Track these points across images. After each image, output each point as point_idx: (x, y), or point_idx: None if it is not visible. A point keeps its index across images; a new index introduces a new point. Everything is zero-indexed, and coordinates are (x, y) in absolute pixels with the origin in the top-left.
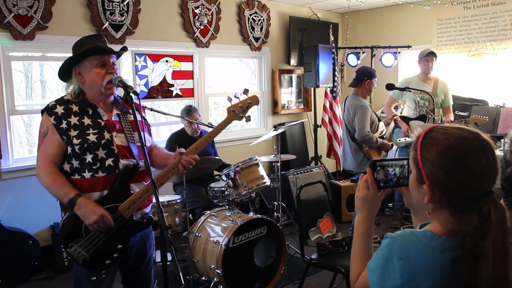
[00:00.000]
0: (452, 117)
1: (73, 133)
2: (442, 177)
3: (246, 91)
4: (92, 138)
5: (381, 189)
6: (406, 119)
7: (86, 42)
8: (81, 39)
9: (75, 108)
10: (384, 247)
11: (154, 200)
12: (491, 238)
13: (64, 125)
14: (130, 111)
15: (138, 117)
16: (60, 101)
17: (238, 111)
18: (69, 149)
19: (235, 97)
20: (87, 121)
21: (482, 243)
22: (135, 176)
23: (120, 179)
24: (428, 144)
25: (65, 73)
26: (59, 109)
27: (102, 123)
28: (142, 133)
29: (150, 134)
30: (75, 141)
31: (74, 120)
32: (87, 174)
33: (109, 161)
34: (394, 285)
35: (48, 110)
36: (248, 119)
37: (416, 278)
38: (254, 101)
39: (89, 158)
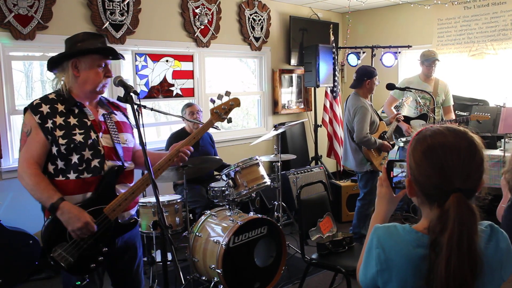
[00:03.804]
0: (453, 117)
1: (59, 133)
2: (414, 168)
3: (228, 93)
4: (78, 138)
5: (398, 189)
6: (407, 119)
7: (87, 38)
8: (81, 34)
9: (60, 107)
10: (369, 237)
11: (139, 201)
12: (447, 233)
13: (49, 125)
14: (115, 111)
15: (121, 118)
16: (45, 100)
17: (220, 113)
18: (54, 149)
19: (217, 98)
20: (73, 121)
21: (440, 238)
22: (120, 177)
23: (106, 181)
24: (413, 140)
25: (56, 63)
26: (45, 108)
27: (89, 123)
28: (142, 130)
29: (133, 136)
30: (61, 141)
31: (59, 120)
32: (72, 175)
33: (95, 162)
34: (371, 273)
35: (32, 108)
36: (229, 120)
37: (388, 269)
38: (236, 102)
39: (75, 158)
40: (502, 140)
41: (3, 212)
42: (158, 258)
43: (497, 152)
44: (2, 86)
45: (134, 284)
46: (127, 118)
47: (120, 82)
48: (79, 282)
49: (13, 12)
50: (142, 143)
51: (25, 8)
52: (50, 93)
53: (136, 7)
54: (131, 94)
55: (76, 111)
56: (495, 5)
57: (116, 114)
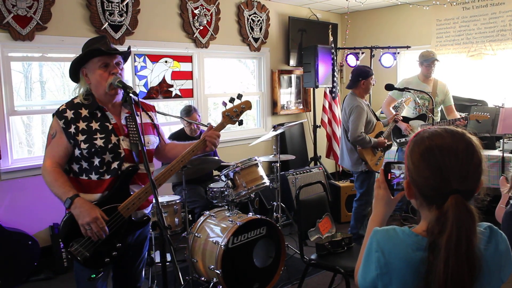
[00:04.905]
0: (457, 115)
1: (81, 137)
2: (412, 170)
3: (239, 96)
4: (99, 142)
5: (397, 191)
6: (406, 119)
7: (91, 44)
8: (88, 41)
9: (84, 112)
10: (368, 240)
11: (154, 200)
12: (446, 235)
13: (72, 130)
14: (137, 112)
15: (143, 120)
16: (70, 105)
17: (232, 115)
18: (77, 152)
19: (229, 101)
20: (95, 125)
21: (439, 239)
22: (134, 178)
23: (120, 181)
24: (411, 142)
25: (74, 74)
26: (69, 114)
27: (110, 127)
28: (142, 136)
29: (157, 135)
30: (83, 145)
31: (82, 125)
32: (94, 176)
33: (114, 164)
34: (371, 277)
35: (58, 114)
36: (241, 122)
37: (388, 272)
38: (247, 105)
39: (96, 161)
40: (501, 140)
41: (2, 213)
42: (157, 259)
43: (495, 152)
44: (1, 87)
45: (134, 280)
46: (151, 117)
47: (119, 83)
48: (94, 275)
49: (12, 13)
50: (141, 146)
51: (24, 9)
52: (76, 97)
53: (135, 8)
54: (130, 95)
55: (99, 114)
56: (493, 5)
57: (138, 115)
